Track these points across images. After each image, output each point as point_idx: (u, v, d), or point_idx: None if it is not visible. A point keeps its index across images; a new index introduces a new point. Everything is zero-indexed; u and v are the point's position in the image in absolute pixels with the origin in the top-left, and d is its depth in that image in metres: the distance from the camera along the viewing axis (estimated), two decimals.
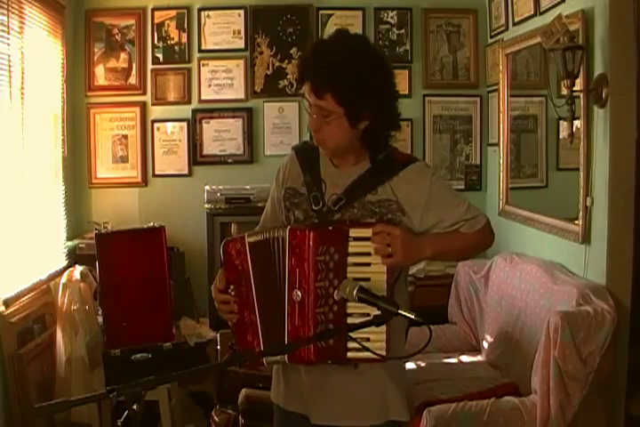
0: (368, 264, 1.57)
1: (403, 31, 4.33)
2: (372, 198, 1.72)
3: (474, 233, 1.75)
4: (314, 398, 1.75)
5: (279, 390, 1.84)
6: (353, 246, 1.57)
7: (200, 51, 4.28)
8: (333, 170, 1.79)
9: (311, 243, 1.56)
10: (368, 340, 1.53)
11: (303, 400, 1.77)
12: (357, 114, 1.65)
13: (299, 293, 1.57)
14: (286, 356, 1.59)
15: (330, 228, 1.60)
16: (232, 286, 1.71)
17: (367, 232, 1.57)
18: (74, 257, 3.86)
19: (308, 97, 1.67)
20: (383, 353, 1.55)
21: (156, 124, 4.29)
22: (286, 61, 4.27)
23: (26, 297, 3.23)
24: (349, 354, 1.56)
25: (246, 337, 1.69)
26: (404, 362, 1.93)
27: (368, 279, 1.55)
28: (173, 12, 4.27)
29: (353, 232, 1.57)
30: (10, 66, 3.15)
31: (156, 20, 4.26)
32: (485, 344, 3.45)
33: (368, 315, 1.53)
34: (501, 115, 3.96)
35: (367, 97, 1.64)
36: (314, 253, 1.56)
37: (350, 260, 1.57)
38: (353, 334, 1.51)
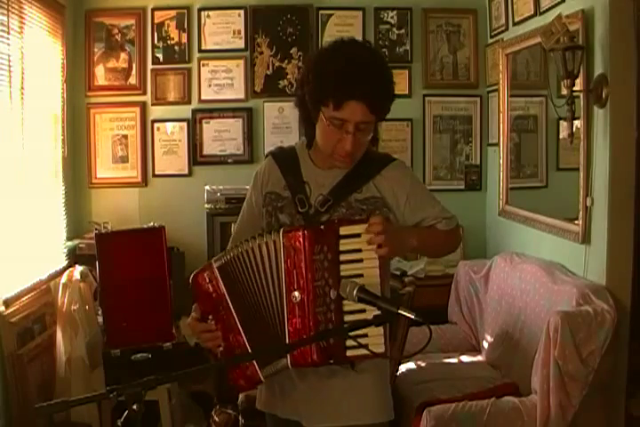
0: (360, 260, 1.58)
1: (403, 31, 4.33)
2: (358, 197, 1.74)
3: (449, 231, 1.81)
4: (308, 403, 1.74)
5: (273, 397, 1.81)
6: (344, 244, 1.58)
7: (200, 51, 4.28)
8: (316, 171, 1.79)
9: (307, 243, 1.56)
10: (366, 336, 1.53)
11: (297, 406, 1.76)
12: (376, 124, 1.72)
13: (297, 294, 1.57)
14: (289, 361, 1.58)
15: (322, 227, 1.60)
16: (210, 317, 1.69)
17: (356, 229, 1.58)
18: (74, 257, 3.86)
19: (354, 116, 1.63)
20: (382, 349, 1.55)
21: (156, 124, 4.29)
22: (286, 61, 4.27)
23: (26, 297, 3.23)
24: (349, 352, 1.56)
25: (237, 364, 1.66)
26: (400, 363, 1.94)
27: (361, 275, 1.56)
28: (173, 12, 4.27)
29: (343, 230, 1.58)
30: (10, 66, 3.15)
31: (156, 20, 4.26)
32: (485, 344, 3.45)
33: (364, 311, 1.54)
34: (501, 115, 3.97)
35: (389, 108, 1.73)
36: (310, 252, 1.56)
37: (342, 257, 1.57)
38: (351, 333, 1.51)
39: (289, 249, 1.58)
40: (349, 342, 1.54)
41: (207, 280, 1.69)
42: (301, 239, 1.56)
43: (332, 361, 1.58)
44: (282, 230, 1.61)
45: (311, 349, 1.54)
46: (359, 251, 1.58)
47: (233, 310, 1.66)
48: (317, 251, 1.56)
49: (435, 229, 1.78)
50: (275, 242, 1.61)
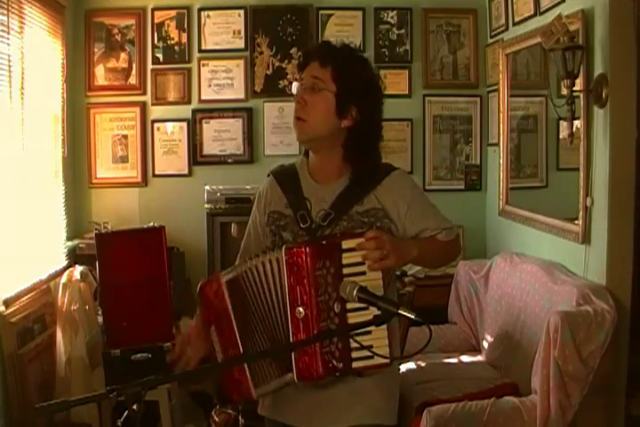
0: (363, 273, 1.57)
1: (403, 31, 4.32)
2: (359, 209, 1.73)
3: (449, 241, 1.80)
4: (310, 409, 1.74)
5: (273, 403, 1.80)
6: (346, 257, 1.58)
7: (200, 51, 4.29)
8: (316, 186, 1.79)
9: (309, 259, 1.55)
10: (371, 347, 1.53)
11: (298, 412, 1.75)
12: (346, 101, 1.70)
13: (301, 309, 1.56)
14: (295, 375, 1.57)
15: (323, 242, 1.60)
16: (213, 327, 1.70)
17: (358, 242, 1.58)
18: (74, 257, 3.86)
19: (308, 71, 1.73)
20: (387, 360, 1.55)
21: (156, 124, 4.29)
22: (286, 61, 4.27)
23: (26, 297, 3.23)
24: (355, 364, 1.56)
25: (233, 375, 1.66)
26: (400, 364, 1.94)
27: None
28: (173, 12, 4.27)
29: (345, 244, 1.58)
30: (10, 66, 3.15)
31: (156, 20, 4.26)
32: (485, 344, 3.45)
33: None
34: (501, 115, 3.96)
35: (360, 91, 1.71)
36: (312, 268, 1.56)
37: (345, 271, 1.57)
38: (356, 344, 1.51)
39: (291, 266, 1.58)
40: (355, 354, 1.54)
41: (214, 292, 1.70)
42: (303, 256, 1.56)
43: (338, 374, 1.58)
44: (284, 247, 1.60)
45: (316, 362, 1.54)
46: (362, 264, 1.57)
47: (235, 326, 1.66)
48: (320, 266, 1.56)
49: (435, 240, 1.77)
50: (277, 259, 1.60)
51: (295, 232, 1.76)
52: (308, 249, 1.56)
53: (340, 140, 1.75)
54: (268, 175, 1.91)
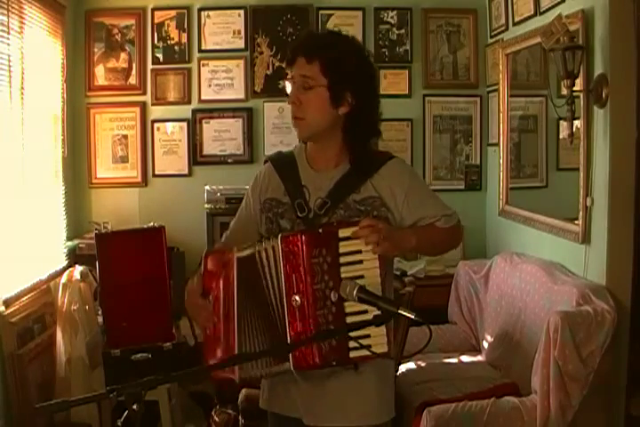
0: (360, 262, 1.57)
1: (403, 31, 4.33)
2: (356, 198, 1.74)
3: (449, 228, 1.79)
4: (310, 401, 1.74)
5: (275, 395, 1.81)
6: (343, 246, 1.57)
7: (200, 51, 4.29)
8: (314, 174, 1.79)
9: (304, 247, 1.56)
10: (369, 336, 1.53)
11: (298, 404, 1.76)
12: (339, 90, 1.70)
13: (297, 298, 1.56)
14: (291, 364, 1.57)
15: (320, 230, 1.60)
16: (211, 296, 1.68)
17: (354, 230, 1.58)
18: (74, 257, 3.86)
19: (296, 69, 1.73)
20: (385, 349, 1.55)
21: (156, 124, 4.29)
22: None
23: (26, 297, 3.23)
24: (352, 354, 1.56)
25: (215, 352, 1.65)
26: (400, 363, 1.94)
27: (362, 277, 1.56)
28: (173, 12, 4.27)
29: (342, 232, 1.58)
30: (10, 66, 3.15)
31: (156, 20, 4.26)
32: (485, 344, 3.45)
33: (366, 312, 1.53)
34: (501, 115, 3.97)
35: (351, 76, 1.71)
36: (308, 256, 1.56)
37: (342, 259, 1.57)
38: (353, 333, 1.51)
39: (288, 254, 1.58)
40: (352, 344, 1.54)
41: (223, 263, 1.67)
42: (299, 244, 1.56)
43: (334, 363, 1.58)
44: (280, 236, 1.60)
45: (312, 351, 1.54)
46: (359, 252, 1.57)
47: (236, 302, 1.64)
48: (316, 254, 1.56)
49: (434, 228, 1.77)
50: (274, 247, 1.60)
51: (293, 220, 1.76)
52: (303, 237, 1.56)
53: (339, 126, 1.76)
54: (266, 161, 1.91)
